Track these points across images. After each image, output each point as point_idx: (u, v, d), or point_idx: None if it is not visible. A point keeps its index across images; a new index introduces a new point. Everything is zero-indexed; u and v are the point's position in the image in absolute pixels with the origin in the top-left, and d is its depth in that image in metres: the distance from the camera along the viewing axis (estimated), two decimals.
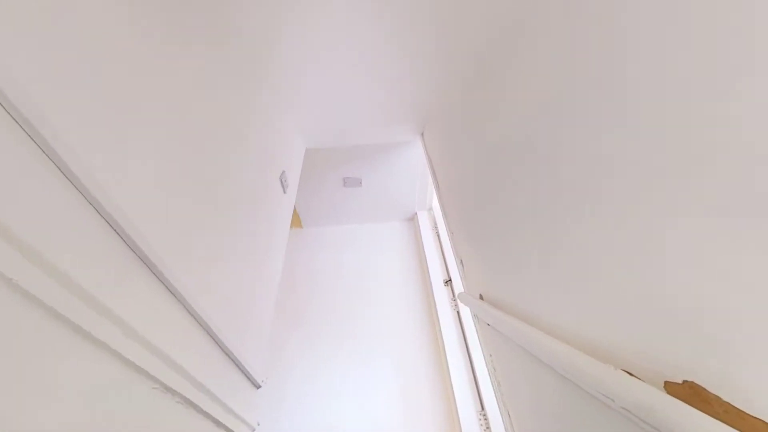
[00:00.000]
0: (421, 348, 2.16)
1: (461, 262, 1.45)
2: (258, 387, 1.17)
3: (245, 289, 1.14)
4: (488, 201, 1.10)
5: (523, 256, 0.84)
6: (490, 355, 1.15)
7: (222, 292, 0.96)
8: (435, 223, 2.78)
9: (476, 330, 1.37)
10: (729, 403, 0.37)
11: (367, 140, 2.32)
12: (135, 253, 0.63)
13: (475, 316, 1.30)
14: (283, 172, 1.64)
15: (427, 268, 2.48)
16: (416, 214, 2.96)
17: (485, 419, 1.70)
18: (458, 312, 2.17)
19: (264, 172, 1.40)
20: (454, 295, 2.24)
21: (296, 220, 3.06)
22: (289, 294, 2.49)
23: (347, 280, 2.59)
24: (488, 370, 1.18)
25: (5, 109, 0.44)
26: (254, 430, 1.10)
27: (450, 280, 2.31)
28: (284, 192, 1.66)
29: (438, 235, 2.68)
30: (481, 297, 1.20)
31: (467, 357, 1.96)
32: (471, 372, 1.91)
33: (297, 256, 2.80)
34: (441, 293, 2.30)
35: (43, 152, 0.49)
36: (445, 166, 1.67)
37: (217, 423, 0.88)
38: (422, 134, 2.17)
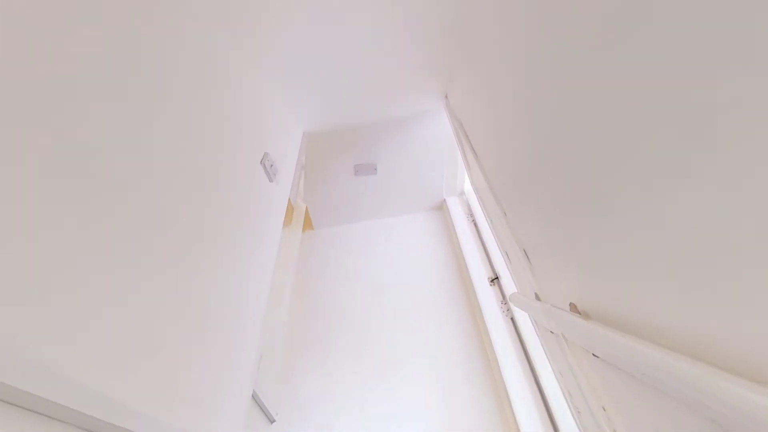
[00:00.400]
0: (469, 371, 1.69)
1: (524, 253, 0.98)
2: None
3: (205, 336, 0.74)
4: (591, 139, 0.63)
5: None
6: (603, 409, 0.68)
7: (140, 351, 0.56)
8: (470, 210, 2.30)
9: (547, 352, 0.91)
10: None
11: (378, 115, 1.89)
12: None
13: (557, 336, 0.83)
14: (266, 154, 1.23)
15: (466, 265, 2.00)
16: (445, 201, 2.48)
17: None
18: (512, 318, 1.68)
19: (229, 150, 0.99)
20: (504, 297, 1.76)
21: (308, 222, 2.67)
22: (301, 312, 2.09)
23: (365, 289, 2.15)
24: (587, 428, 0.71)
25: None
26: None
27: (497, 278, 1.83)
28: (270, 180, 1.25)
29: (475, 224, 2.20)
30: (574, 309, 0.73)
31: (531, 376, 1.48)
32: (540, 396, 1.42)
33: (311, 264, 2.39)
34: (487, 295, 1.82)
35: None
36: (486, 120, 1.20)
37: None
38: (446, 96, 1.71)
